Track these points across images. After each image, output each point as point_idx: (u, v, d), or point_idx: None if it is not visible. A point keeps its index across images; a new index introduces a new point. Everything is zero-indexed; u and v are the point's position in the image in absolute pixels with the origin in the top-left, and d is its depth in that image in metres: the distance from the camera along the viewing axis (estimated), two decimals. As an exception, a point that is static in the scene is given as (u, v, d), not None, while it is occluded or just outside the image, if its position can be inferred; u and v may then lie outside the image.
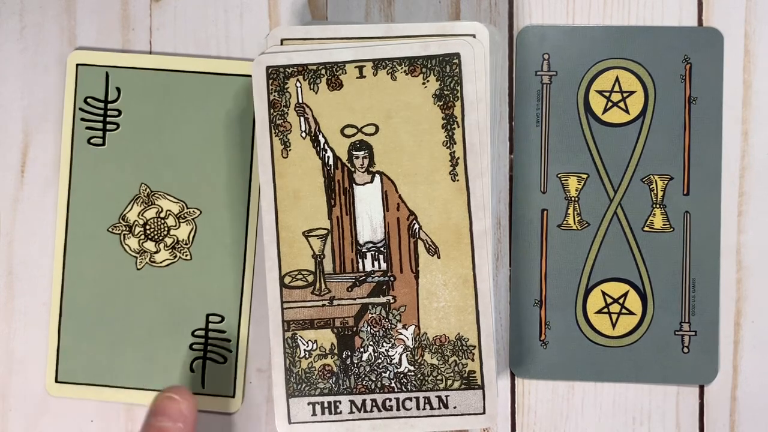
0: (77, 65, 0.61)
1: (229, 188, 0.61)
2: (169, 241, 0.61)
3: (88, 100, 0.61)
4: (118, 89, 0.61)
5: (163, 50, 0.62)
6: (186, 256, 0.61)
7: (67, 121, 0.62)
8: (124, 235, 0.61)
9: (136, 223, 0.61)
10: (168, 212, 0.61)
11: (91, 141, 0.61)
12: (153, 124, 0.61)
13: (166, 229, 0.61)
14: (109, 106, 0.61)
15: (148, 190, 0.61)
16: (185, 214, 0.61)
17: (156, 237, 0.61)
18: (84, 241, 0.61)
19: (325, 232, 0.57)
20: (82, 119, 0.61)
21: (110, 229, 0.62)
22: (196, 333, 0.61)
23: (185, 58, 0.61)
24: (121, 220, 0.61)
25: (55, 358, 0.62)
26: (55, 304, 0.62)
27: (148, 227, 0.61)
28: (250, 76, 0.60)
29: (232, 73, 0.61)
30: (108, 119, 0.61)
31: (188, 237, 0.61)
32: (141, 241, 0.61)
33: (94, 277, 0.61)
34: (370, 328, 0.57)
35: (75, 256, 0.61)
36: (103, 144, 0.61)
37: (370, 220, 0.57)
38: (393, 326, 0.57)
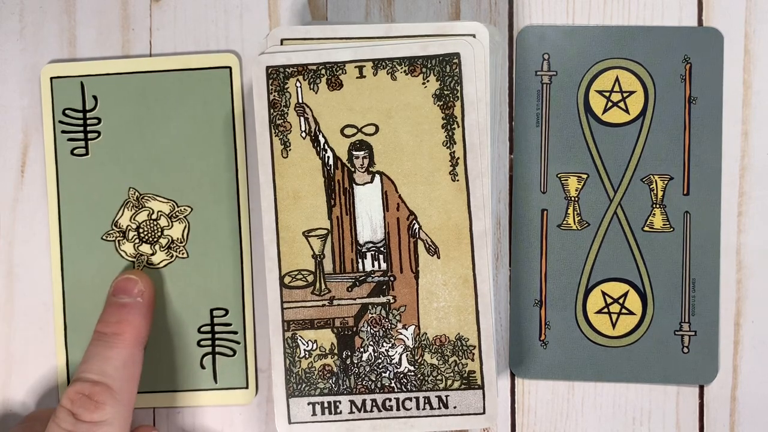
0: (51, 78, 0.61)
1: (217, 181, 0.61)
2: (164, 241, 0.61)
3: (67, 111, 0.61)
4: (95, 97, 0.61)
5: (163, 50, 0.62)
6: (182, 254, 0.61)
7: (48, 136, 0.61)
8: (118, 241, 0.61)
9: (129, 227, 0.61)
10: (159, 213, 0.61)
11: (75, 152, 0.61)
12: (134, 128, 0.61)
13: (159, 230, 0.61)
14: (88, 115, 0.61)
15: (137, 193, 0.61)
16: (177, 213, 0.61)
17: (150, 239, 0.61)
18: (80, 253, 0.61)
19: (325, 232, 0.57)
20: (63, 131, 0.61)
21: (104, 237, 0.61)
22: (202, 329, 0.61)
23: (158, 58, 0.61)
24: (114, 227, 0.61)
25: (65, 375, 0.61)
26: (59, 320, 0.61)
27: (141, 230, 0.61)
28: (225, 67, 0.60)
29: (207, 66, 0.61)
30: (88, 128, 0.61)
31: (182, 235, 0.61)
32: (136, 245, 0.61)
33: (94, 288, 0.61)
34: (370, 328, 0.57)
35: (73, 269, 0.61)
36: (87, 153, 0.61)
37: (370, 220, 0.57)
38: (393, 326, 0.57)
